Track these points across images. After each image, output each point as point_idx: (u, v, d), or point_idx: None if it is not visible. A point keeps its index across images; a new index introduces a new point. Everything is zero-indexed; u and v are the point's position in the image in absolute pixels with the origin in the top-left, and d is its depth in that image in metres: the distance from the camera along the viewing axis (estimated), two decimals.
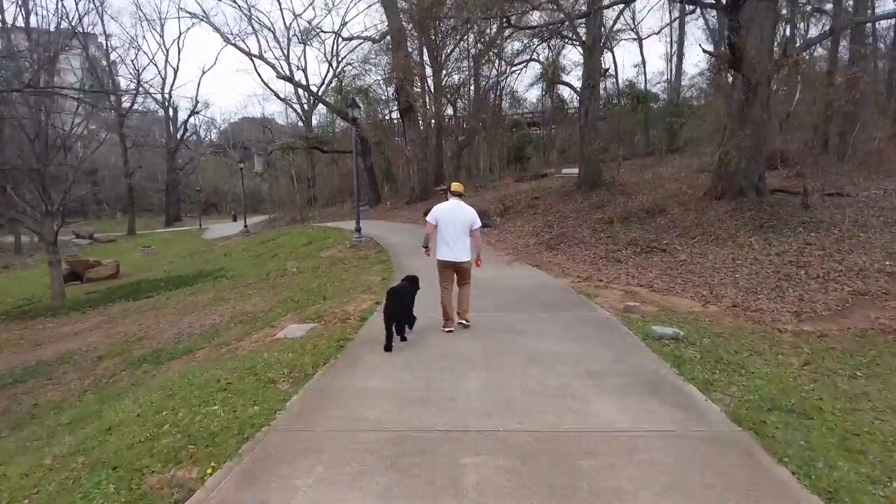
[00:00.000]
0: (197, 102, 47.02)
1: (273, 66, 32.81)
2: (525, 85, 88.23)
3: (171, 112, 53.18)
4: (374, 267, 13.46)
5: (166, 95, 51.23)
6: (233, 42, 32.74)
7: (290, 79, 31.98)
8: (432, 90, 32.18)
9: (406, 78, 27.30)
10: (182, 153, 59.54)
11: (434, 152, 32.44)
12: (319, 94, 35.90)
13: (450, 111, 38.38)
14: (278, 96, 38.68)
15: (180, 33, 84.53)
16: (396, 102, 29.38)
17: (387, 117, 37.81)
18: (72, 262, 27.74)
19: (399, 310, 6.41)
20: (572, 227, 17.86)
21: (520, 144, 39.02)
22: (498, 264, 13.23)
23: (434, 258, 7.38)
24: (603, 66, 25.18)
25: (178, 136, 51.69)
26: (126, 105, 45.65)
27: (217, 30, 32.79)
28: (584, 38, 23.51)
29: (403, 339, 6.55)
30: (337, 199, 44.14)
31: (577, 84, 42.52)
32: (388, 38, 28.58)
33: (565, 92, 38.10)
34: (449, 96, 32.79)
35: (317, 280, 12.90)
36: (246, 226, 31.55)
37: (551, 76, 40.10)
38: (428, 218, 6.89)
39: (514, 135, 37.94)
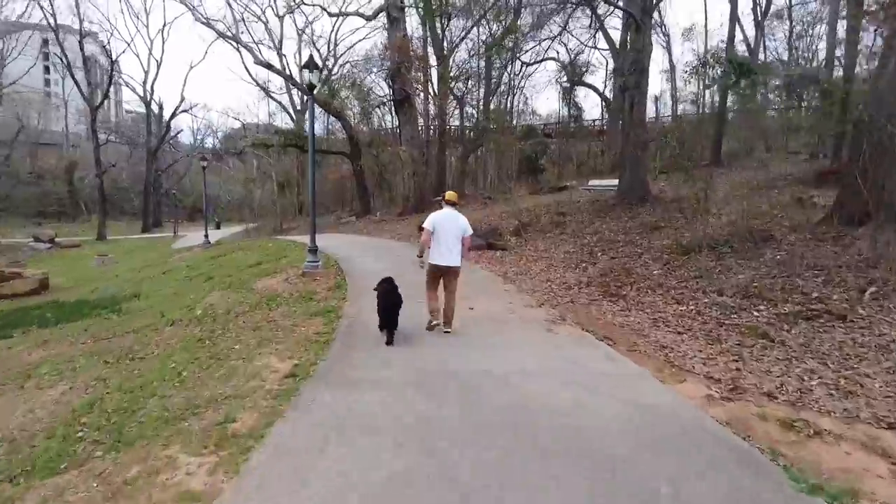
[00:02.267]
0: (183, 99, 40.92)
1: (251, 51, 26.92)
2: (539, 94, 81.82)
3: (154, 109, 47.08)
4: (305, 322, 7.21)
5: (148, 90, 45.11)
6: (205, 21, 26.83)
7: (268, 65, 26.05)
8: (435, 83, 26.02)
9: (403, 63, 21.17)
10: (175, 155, 53.70)
11: (436, 156, 26.23)
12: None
13: (456, 122, 32.50)
14: (264, 88, 32.53)
15: (164, 23, 77.50)
16: (391, 93, 23.26)
17: (387, 124, 31.82)
18: None
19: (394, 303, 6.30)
20: (628, 257, 11.71)
21: (534, 154, 32.96)
22: (530, 328, 6.94)
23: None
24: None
25: (161, 136, 45.45)
26: (102, 96, 39.44)
27: (188, 6, 26.92)
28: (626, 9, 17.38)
29: (390, 342, 6.14)
30: (333, 207, 38.03)
31: (600, 85, 36.80)
32: (384, 14, 22.52)
33: (585, 101, 32.14)
34: (454, 89, 26.57)
35: (194, 349, 6.65)
36: (206, 236, 25.37)
37: (573, 77, 34.14)
38: (425, 225, 6.64)
39: (527, 143, 31.80)
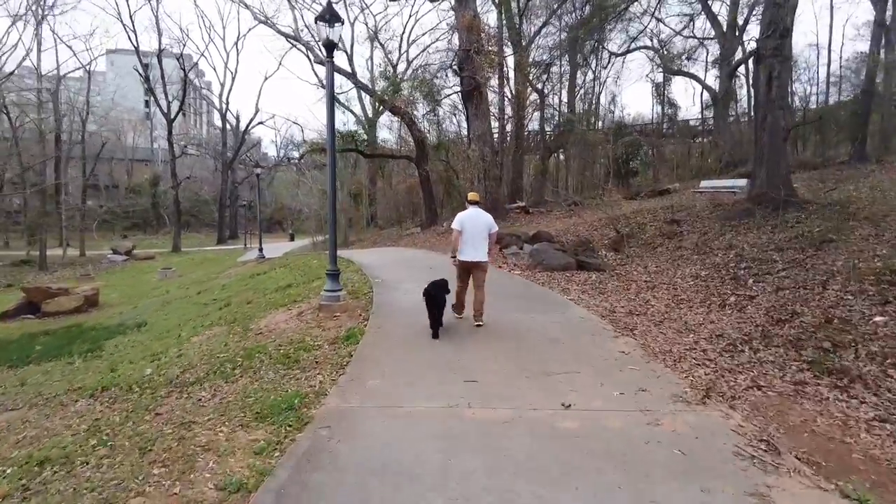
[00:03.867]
0: (257, 111, 39.34)
1: (312, 50, 24.15)
2: (625, 90, 75.24)
3: (231, 122, 46.02)
4: (231, 439, 3.54)
5: (224, 102, 44.04)
6: (264, 20, 24.43)
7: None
8: (511, 81, 22.13)
9: (472, 46, 17.47)
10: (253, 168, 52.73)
11: (511, 158, 22.29)
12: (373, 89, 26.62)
13: (534, 122, 28.49)
14: (322, 84, 29.68)
15: (239, 35, 77.31)
16: (459, 82, 19.55)
17: (462, 130, 28.17)
18: (28, 290, 19.80)
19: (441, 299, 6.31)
20: (803, 287, 7.46)
21: (624, 155, 28.22)
22: (712, 488, 2.87)
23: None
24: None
25: (237, 148, 44.15)
26: (177, 108, 38.53)
27: (251, 10, 24.64)
28: None
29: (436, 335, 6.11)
30: (403, 217, 34.87)
31: (700, 73, 31.04)
32: None
33: (681, 97, 27.27)
34: (533, 81, 22.48)
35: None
36: (261, 250, 22.75)
37: (669, 66, 29.15)
38: (454, 225, 6.92)
39: (618, 143, 27.15)
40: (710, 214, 13.87)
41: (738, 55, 27.06)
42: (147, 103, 78.97)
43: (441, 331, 6.22)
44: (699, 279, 9.13)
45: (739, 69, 27.72)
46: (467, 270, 6.91)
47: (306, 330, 6.87)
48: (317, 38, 24.58)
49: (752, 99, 14.54)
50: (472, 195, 7.32)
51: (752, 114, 14.69)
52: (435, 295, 6.32)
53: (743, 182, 17.68)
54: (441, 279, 6.58)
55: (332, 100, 8.05)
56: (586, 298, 8.24)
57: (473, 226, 6.79)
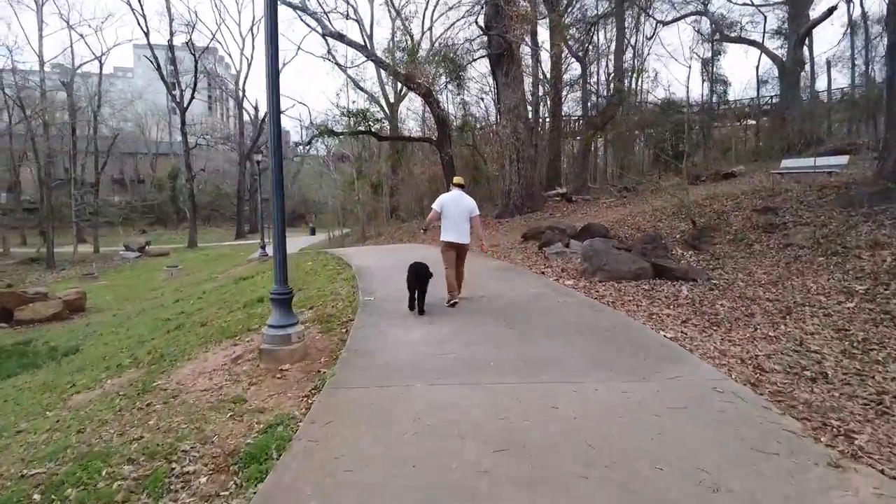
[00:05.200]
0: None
1: (320, 21, 21.00)
2: (668, 65, 69.66)
3: (250, 111, 43.38)
4: None
5: (240, 90, 41.33)
6: None
7: (340, 35, 19.98)
8: (541, 58, 18.62)
9: None
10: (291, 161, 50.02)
11: (548, 138, 18.84)
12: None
13: (569, 105, 24.94)
14: (339, 65, 26.08)
15: (254, 20, 75.06)
16: (487, 43, 16.09)
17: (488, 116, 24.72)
18: (2, 295, 17.32)
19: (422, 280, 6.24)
20: None
21: (671, 135, 24.44)
22: None
23: None
24: None
25: (255, 138, 41.48)
26: (189, 96, 36.18)
27: None
28: None
29: (422, 311, 6.21)
30: (427, 209, 31.41)
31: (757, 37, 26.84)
32: None
33: (731, 70, 23.40)
34: (574, 48, 18.89)
35: None
36: (263, 247, 19.90)
37: (724, 33, 25.16)
38: (434, 205, 7.01)
39: (667, 122, 23.39)
40: (818, 200, 10.31)
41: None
42: (173, 96, 77.57)
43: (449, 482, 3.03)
44: (859, 298, 5.75)
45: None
46: (450, 252, 6.83)
47: (210, 410, 3.77)
48: (325, 10, 21.45)
49: (886, 39, 10.87)
50: (456, 179, 7.49)
51: (888, 61, 10.97)
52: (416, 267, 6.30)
53: (843, 160, 13.97)
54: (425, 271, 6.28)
55: (275, 31, 4.81)
56: (697, 337, 4.89)
57: (454, 208, 6.79)
